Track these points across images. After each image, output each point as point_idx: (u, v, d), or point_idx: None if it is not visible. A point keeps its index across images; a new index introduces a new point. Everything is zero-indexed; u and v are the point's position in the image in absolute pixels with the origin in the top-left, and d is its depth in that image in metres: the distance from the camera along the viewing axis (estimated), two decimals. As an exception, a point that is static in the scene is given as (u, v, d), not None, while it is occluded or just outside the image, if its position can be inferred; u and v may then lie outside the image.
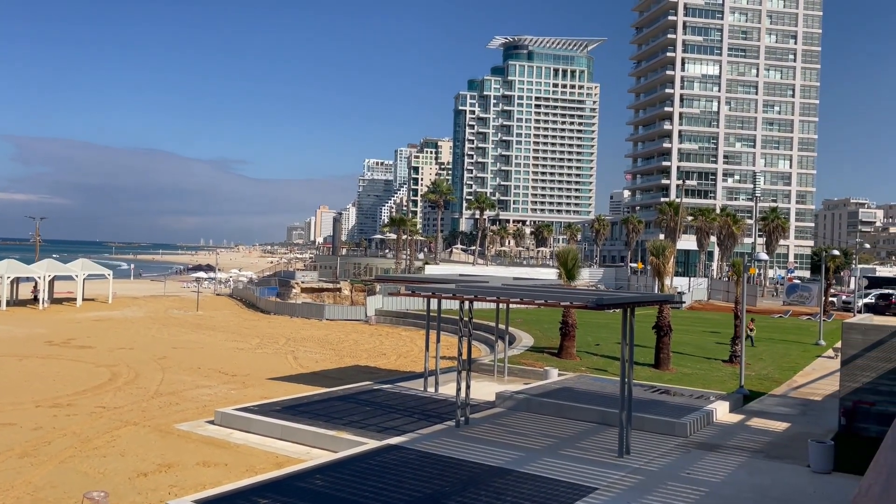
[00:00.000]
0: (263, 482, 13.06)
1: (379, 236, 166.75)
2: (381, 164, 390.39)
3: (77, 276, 58.55)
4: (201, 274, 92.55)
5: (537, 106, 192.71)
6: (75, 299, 58.05)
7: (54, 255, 71.14)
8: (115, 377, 26.09)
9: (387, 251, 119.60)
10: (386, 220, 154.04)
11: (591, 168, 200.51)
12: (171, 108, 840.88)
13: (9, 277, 54.37)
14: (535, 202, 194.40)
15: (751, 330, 33.87)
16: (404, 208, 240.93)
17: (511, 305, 27.72)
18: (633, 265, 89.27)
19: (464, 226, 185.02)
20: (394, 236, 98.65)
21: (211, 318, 51.42)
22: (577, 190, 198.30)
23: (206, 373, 27.59)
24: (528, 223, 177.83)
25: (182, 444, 17.10)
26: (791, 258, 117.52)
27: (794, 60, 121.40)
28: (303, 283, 67.85)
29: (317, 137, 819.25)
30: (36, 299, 56.34)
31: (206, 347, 35.27)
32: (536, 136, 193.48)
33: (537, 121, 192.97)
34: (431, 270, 70.07)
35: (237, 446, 16.85)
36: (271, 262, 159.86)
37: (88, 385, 24.44)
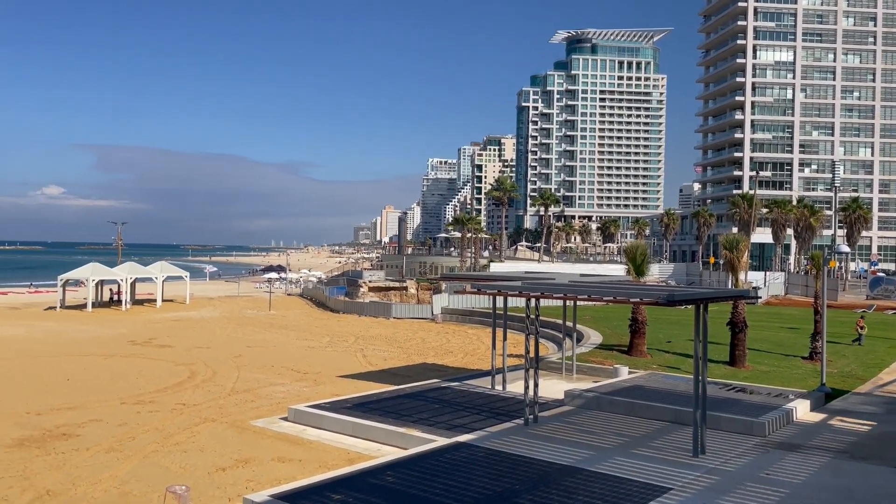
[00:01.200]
0: (336, 478, 13.30)
1: (443, 235, 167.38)
2: (445, 163, 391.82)
3: (156, 278, 61.05)
4: (273, 275, 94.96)
5: (602, 100, 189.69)
6: (155, 300, 60.51)
7: (135, 259, 74.31)
8: (194, 375, 27.06)
9: (451, 249, 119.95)
10: (450, 219, 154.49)
11: (659, 161, 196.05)
12: (243, 115, 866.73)
13: (94, 280, 57.13)
14: (602, 197, 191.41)
15: (861, 328, 32.35)
16: (468, 207, 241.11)
17: (578, 302, 27.39)
18: (706, 260, 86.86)
19: (528, 223, 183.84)
20: (458, 235, 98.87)
21: (283, 317, 52.70)
22: (644, 184, 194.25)
23: (280, 371, 28.30)
24: (594, 219, 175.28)
25: (258, 439, 17.60)
26: (874, 250, 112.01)
27: (875, 43, 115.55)
28: (370, 282, 68.76)
29: (382, 139, 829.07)
30: (119, 301, 59.01)
31: (278, 346, 36.18)
32: (602, 130, 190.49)
33: (602, 115, 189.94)
34: (496, 268, 69.89)
35: (310, 442, 17.22)
36: (339, 263, 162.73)
37: (169, 383, 25.44)
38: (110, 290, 61.84)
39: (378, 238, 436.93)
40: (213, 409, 21.15)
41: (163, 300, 60.71)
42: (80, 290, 63.24)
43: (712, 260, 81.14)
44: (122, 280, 58.42)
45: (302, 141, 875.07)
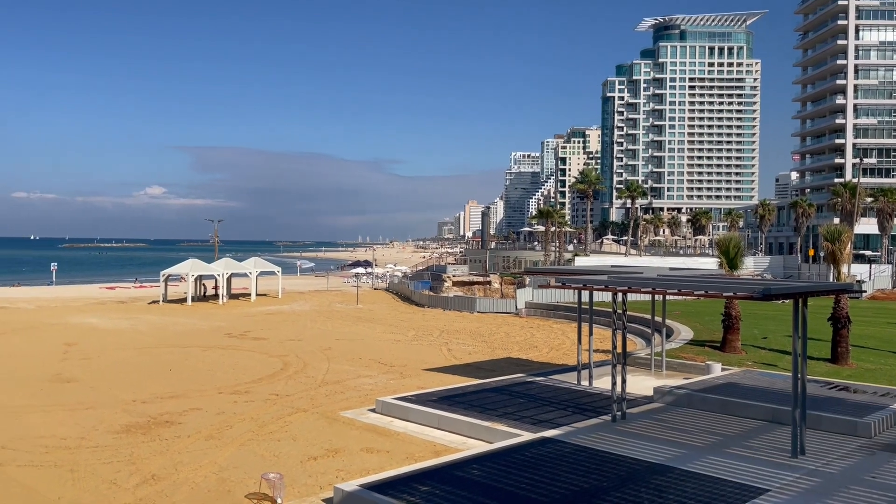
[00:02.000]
0: (423, 469, 13.46)
1: (527, 229, 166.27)
2: (528, 156, 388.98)
3: (250, 273, 63.51)
4: (360, 269, 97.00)
5: (691, 87, 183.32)
6: (249, 295, 62.95)
7: (230, 255, 77.54)
8: (286, 367, 28.00)
9: (535, 243, 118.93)
10: (534, 213, 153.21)
11: (753, 150, 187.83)
12: (330, 114, 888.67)
13: (193, 275, 60.05)
14: (692, 188, 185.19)
15: None
16: (552, 200, 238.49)
17: (668, 297, 26.61)
18: (805, 252, 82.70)
19: (614, 216, 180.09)
20: (542, 228, 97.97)
21: (370, 311, 53.76)
22: (737, 174, 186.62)
23: (367, 363, 28.89)
24: (683, 211, 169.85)
25: (347, 430, 18.03)
26: None
27: None
28: (454, 276, 69.14)
29: (465, 134, 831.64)
30: (216, 295, 61.74)
31: (366, 339, 36.94)
32: (691, 119, 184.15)
33: (692, 103, 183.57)
34: (581, 262, 68.84)
35: (397, 434, 17.50)
36: (424, 257, 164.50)
37: (263, 374, 26.42)
38: (203, 285, 64.77)
39: (461, 233, 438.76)
40: (305, 399, 21.82)
41: (256, 294, 63.07)
42: (181, 285, 66.56)
43: (812, 252, 77.27)
44: (218, 275, 61.12)
45: (387, 138, 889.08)
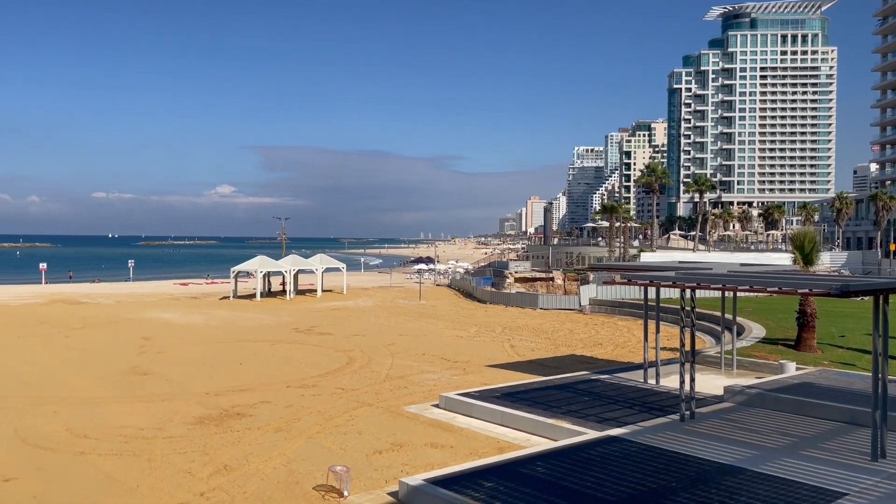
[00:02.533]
0: (487, 466, 13.48)
1: (590, 224, 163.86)
2: (591, 150, 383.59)
3: (316, 269, 64.77)
4: (422, 266, 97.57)
5: (762, 77, 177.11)
6: (315, 291, 64.21)
7: (297, 251, 79.23)
8: (352, 361, 28.46)
9: (599, 239, 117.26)
10: (597, 208, 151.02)
11: (829, 141, 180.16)
12: (392, 113, 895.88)
13: (261, 272, 61.65)
14: (763, 181, 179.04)
15: None
16: (616, 195, 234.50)
17: (739, 294, 25.84)
18: (886, 247, 78.87)
19: (681, 210, 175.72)
20: (606, 224, 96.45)
21: (432, 307, 54.08)
22: (812, 166, 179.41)
23: (430, 359, 29.09)
24: (754, 205, 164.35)
25: (411, 425, 18.21)
26: None
27: None
28: (516, 273, 68.81)
29: (526, 129, 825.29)
30: (283, 291, 63.24)
31: (428, 335, 37.18)
32: (763, 109, 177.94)
33: (763, 93, 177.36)
34: (647, 258, 67.47)
35: (461, 430, 17.57)
36: (485, 254, 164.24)
37: (329, 368, 26.93)
38: (281, 280, 66.39)
39: (523, 229, 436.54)
40: (370, 394, 22.13)
41: (322, 290, 64.29)
42: (250, 281, 68.47)
43: (893, 247, 73.64)
44: (286, 271, 62.60)
45: (448, 135, 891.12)
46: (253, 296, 60.51)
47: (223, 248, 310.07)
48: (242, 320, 44.64)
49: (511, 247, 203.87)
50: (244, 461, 15.35)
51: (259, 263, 61.88)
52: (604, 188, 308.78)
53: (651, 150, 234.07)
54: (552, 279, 65.56)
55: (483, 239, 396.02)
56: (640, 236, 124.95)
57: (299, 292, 64.43)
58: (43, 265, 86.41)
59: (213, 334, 37.81)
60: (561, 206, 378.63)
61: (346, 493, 12.96)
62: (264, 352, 31.52)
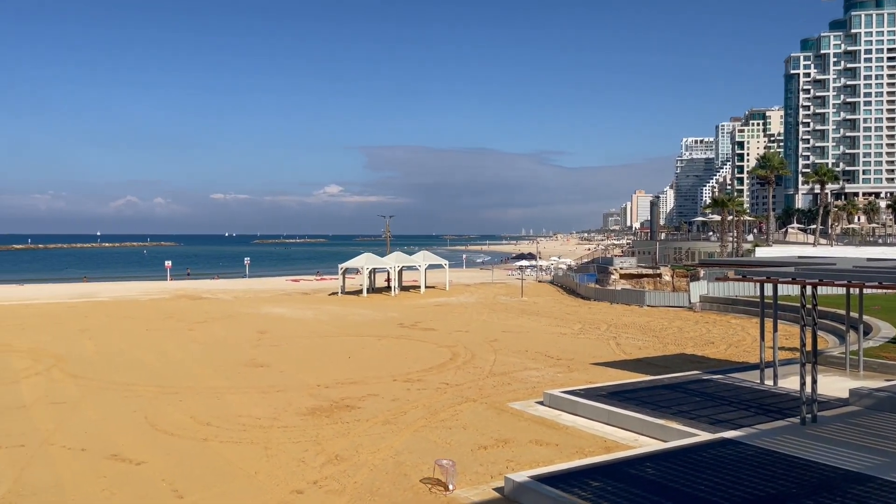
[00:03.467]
0: (594, 465, 13.27)
1: (700, 218, 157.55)
2: (701, 141, 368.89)
3: (420, 266, 65.80)
4: (524, 262, 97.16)
5: (890, 59, 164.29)
6: (419, 287, 65.24)
7: (401, 249, 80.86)
8: (455, 357, 28.72)
9: (710, 234, 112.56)
10: (708, 201, 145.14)
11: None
12: (494, 109, 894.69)
13: (367, 269, 63.27)
14: (893, 171, 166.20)
15: None
16: (728, 187, 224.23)
17: (865, 290, 24.11)
18: None
19: (800, 202, 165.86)
20: (717, 218, 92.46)
21: (534, 303, 53.74)
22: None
23: (533, 356, 28.92)
24: (882, 196, 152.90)
25: (515, 421, 18.18)
26: None
27: None
28: (621, 269, 67.22)
29: (631, 121, 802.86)
30: (388, 287, 64.65)
31: (531, 332, 36.97)
32: (891, 94, 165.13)
33: (891, 76, 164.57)
34: (763, 253, 64.13)
35: (566, 427, 17.38)
36: (588, 250, 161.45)
37: (433, 363, 27.30)
38: (386, 276, 67.95)
39: (628, 224, 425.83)
40: (474, 389, 22.27)
41: (425, 287, 65.23)
42: (357, 278, 70.42)
43: None
44: (390, 268, 63.99)
45: (550, 130, 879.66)
46: (360, 292, 62.21)
47: (331, 245, 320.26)
48: (350, 315, 46.01)
49: (615, 242, 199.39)
50: (354, 452, 15.82)
51: (365, 261, 63.56)
52: (714, 180, 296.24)
53: (766, 139, 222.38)
54: (660, 275, 63.60)
55: (586, 234, 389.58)
56: (755, 230, 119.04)
57: (403, 288, 65.65)
58: (168, 263, 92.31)
59: (323, 328, 39.18)
60: (668, 200, 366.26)
61: (451, 487, 13.11)
62: (371, 346, 32.35)
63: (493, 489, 13.06)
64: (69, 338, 35.47)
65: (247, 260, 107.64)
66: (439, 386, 22.91)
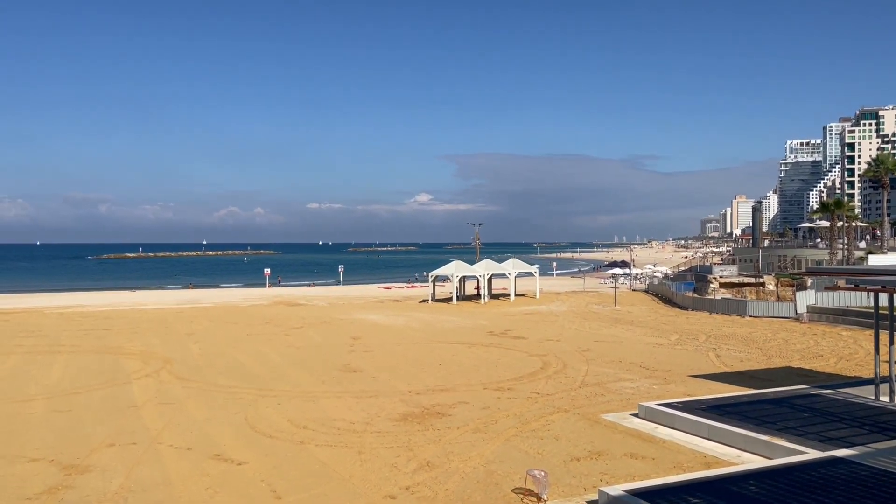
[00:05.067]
0: (693, 481, 12.80)
1: (807, 224, 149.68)
2: (807, 143, 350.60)
3: (509, 274, 65.63)
4: (617, 270, 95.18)
5: None
6: (508, 295, 65.04)
7: (490, 256, 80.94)
8: (546, 366, 28.43)
9: (817, 241, 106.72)
10: (815, 206, 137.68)
11: None
12: (585, 115, 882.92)
13: (457, 276, 63.66)
14: None
15: None
16: (837, 191, 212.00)
17: None
18: None
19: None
20: (826, 224, 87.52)
21: (628, 312, 52.52)
22: None
23: (627, 366, 28.25)
24: None
25: (609, 433, 17.79)
26: None
27: None
28: (721, 277, 64.73)
29: (729, 124, 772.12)
30: (478, 295, 64.77)
31: (624, 342, 36.15)
32: None
33: None
34: (877, 260, 60.10)
35: (662, 441, 16.85)
36: (685, 257, 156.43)
37: (523, 372, 27.12)
38: (476, 284, 68.17)
39: (728, 230, 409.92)
40: (565, 400, 21.96)
41: (515, 294, 64.96)
42: (447, 286, 70.94)
43: None
44: (479, 276, 64.09)
45: (644, 134, 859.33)
46: (450, 299, 62.64)
47: (421, 253, 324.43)
48: (440, 322, 46.37)
49: (714, 250, 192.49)
50: (445, 459, 15.91)
51: (455, 268, 63.99)
52: (822, 184, 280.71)
53: (879, 140, 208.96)
54: (763, 284, 60.86)
55: (682, 241, 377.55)
56: (867, 237, 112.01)
57: (493, 296, 65.64)
58: (267, 270, 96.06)
59: (414, 335, 39.66)
60: (771, 206, 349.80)
61: (544, 497, 12.96)
62: (461, 354, 32.48)
63: (587, 501, 12.82)
64: (176, 342, 37.45)
65: (341, 267, 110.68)
66: (530, 395, 22.73)
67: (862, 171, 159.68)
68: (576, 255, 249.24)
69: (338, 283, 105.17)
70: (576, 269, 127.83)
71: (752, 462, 14.53)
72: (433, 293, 64.53)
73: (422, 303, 63.21)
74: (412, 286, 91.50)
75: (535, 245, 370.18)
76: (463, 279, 66.67)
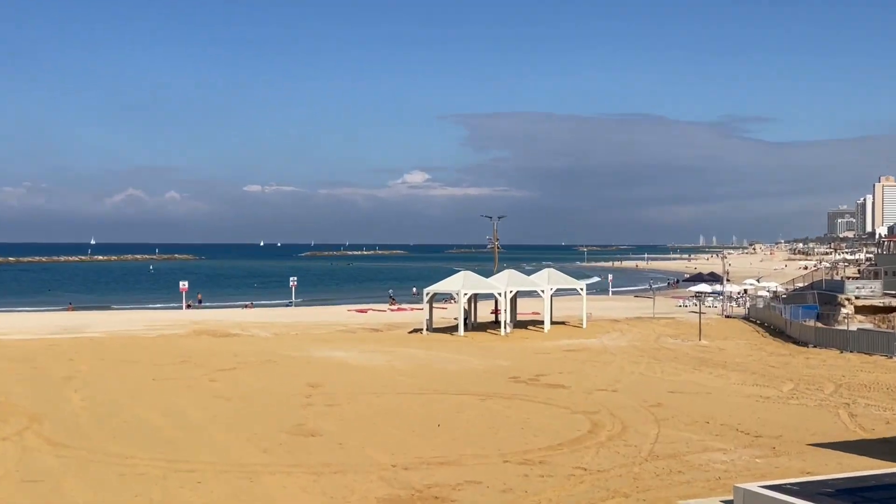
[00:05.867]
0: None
1: None
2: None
3: (543, 292, 65.57)
4: (704, 287, 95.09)
5: None
6: (542, 322, 65.03)
7: (515, 266, 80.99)
8: (596, 429, 28.40)
9: None
10: None
11: None
12: (657, 58, 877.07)
13: (466, 294, 63.46)
14: None
15: None
16: None
17: None
18: None
19: None
20: None
21: (719, 349, 52.49)
22: None
23: (718, 429, 28.24)
24: None
25: (689, 530, 17.72)
26: None
27: None
28: (858, 298, 64.74)
29: (873, 73, 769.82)
30: (496, 322, 64.76)
31: (713, 392, 36.14)
32: None
33: None
34: None
35: (769, 542, 16.79)
36: (805, 268, 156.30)
37: (563, 437, 27.08)
38: (494, 306, 68.12)
39: (868, 228, 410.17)
40: (626, 479, 21.91)
41: (551, 322, 64.94)
42: (450, 307, 71.03)
43: None
44: (499, 294, 63.94)
45: (745, 87, 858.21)
46: (454, 328, 62.66)
47: (413, 259, 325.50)
48: (440, 363, 46.36)
49: (848, 257, 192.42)
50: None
51: (462, 282, 63.85)
52: None
53: None
54: (920, 309, 60.88)
55: (801, 245, 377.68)
56: None
57: (518, 324, 65.66)
58: (184, 284, 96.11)
59: (401, 382, 39.64)
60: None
61: None
62: (471, 408, 32.43)
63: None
64: (48, 389, 37.46)
65: (293, 280, 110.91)
66: (573, 472, 22.68)
67: None
68: (642, 265, 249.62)
69: (289, 303, 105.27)
70: (644, 286, 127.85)
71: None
72: (430, 319, 64.50)
73: (413, 333, 63.22)
74: (398, 308, 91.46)
75: (582, 248, 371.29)
76: (474, 298, 66.64)
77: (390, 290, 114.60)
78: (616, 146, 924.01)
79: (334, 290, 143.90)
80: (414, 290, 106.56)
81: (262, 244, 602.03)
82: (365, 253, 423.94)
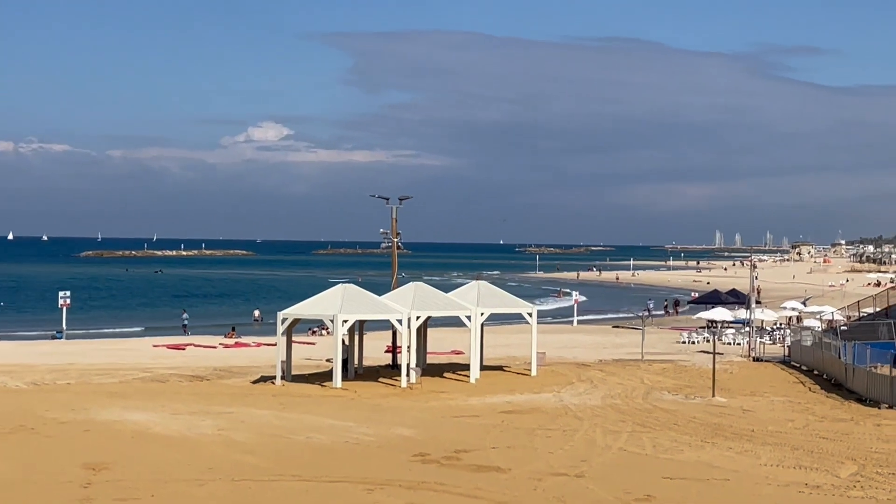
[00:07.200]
0: None
1: None
2: None
3: (469, 318, 65.62)
4: (720, 313, 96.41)
5: None
6: (467, 366, 65.13)
7: (431, 275, 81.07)
8: (552, 538, 28.63)
9: None
10: None
11: None
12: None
13: (346, 321, 63.10)
14: None
15: None
16: None
17: None
18: None
19: None
20: None
21: (743, 411, 53.25)
22: None
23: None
24: None
25: None
26: None
27: None
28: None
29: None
30: (394, 366, 64.69)
31: (732, 479, 36.51)
32: None
33: None
34: None
35: None
36: (877, 284, 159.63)
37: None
38: (359, 338, 68.04)
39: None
40: None
41: (482, 366, 65.08)
42: (319, 342, 70.63)
43: None
44: (401, 321, 63.72)
45: (785, 5, 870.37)
46: (327, 376, 62.46)
47: (262, 264, 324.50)
48: (303, 431, 46.06)
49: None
50: None
51: (341, 303, 63.54)
52: None
53: None
54: None
55: (872, 248, 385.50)
56: None
57: (430, 369, 65.71)
58: None
59: (240, 462, 39.24)
60: None
61: None
62: (353, 508, 32.38)
63: None
64: None
65: (64, 297, 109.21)
66: None
67: None
68: (626, 277, 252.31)
69: (58, 333, 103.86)
70: (627, 311, 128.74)
71: None
72: (287, 360, 64.10)
73: (258, 384, 62.85)
74: (236, 343, 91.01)
75: (532, 250, 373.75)
76: (360, 328, 66.52)
77: (233, 325, 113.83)
78: (587, 89, 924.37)
79: (131, 312, 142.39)
80: (256, 313, 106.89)
81: (10, 237, 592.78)
82: (184, 253, 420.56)
